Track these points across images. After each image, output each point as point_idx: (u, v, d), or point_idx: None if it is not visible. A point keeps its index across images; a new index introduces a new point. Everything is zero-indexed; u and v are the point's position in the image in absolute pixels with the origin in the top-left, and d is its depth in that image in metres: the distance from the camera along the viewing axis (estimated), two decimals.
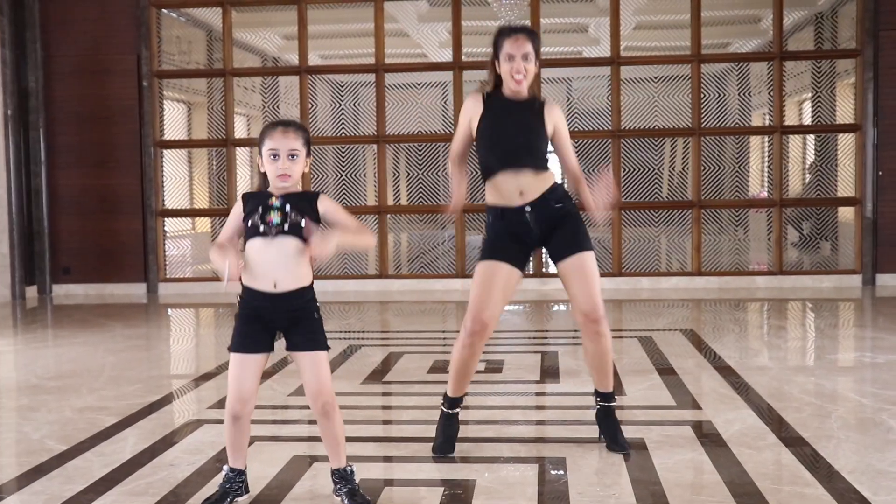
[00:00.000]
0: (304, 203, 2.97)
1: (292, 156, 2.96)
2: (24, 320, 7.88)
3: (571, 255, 3.54)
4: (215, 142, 9.53)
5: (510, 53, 3.53)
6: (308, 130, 3.09)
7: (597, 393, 3.69)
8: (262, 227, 2.93)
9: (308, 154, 3.04)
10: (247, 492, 3.13)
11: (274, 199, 2.96)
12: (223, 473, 3.10)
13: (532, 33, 3.60)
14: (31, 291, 9.29)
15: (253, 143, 10.11)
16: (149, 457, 3.67)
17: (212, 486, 3.27)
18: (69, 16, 9.33)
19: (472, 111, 3.63)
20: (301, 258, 2.96)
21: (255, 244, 2.95)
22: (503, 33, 3.59)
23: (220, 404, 4.45)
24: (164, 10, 9.44)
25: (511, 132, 3.56)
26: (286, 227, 2.93)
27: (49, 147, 9.35)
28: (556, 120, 3.65)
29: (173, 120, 9.77)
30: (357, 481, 3.10)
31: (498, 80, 3.64)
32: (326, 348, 3.04)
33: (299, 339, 3.01)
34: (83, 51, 9.33)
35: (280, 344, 3.10)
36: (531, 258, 3.77)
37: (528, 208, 3.54)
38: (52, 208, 9.41)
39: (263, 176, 3.05)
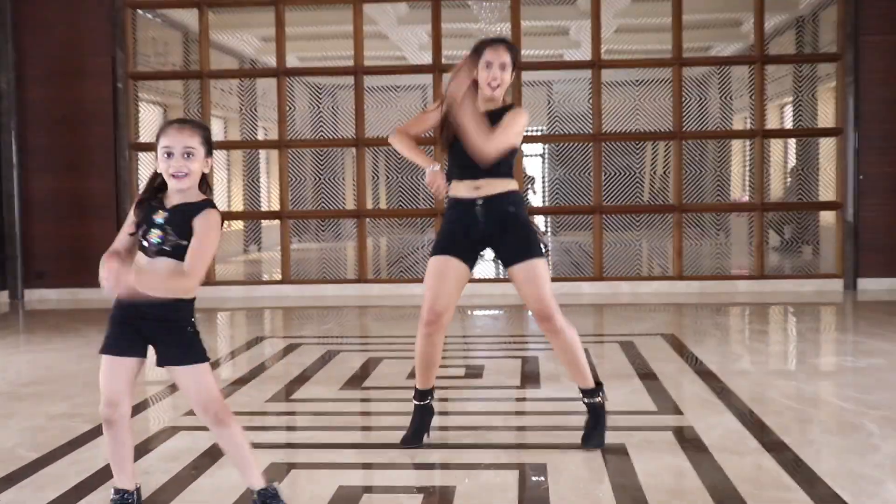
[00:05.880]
0: (188, 217, 2.79)
1: (188, 154, 2.78)
2: None
3: (522, 262, 3.66)
4: None
5: (489, 61, 3.67)
6: (208, 129, 2.90)
7: (580, 390, 3.79)
8: (143, 243, 2.81)
9: (208, 154, 2.85)
10: None
11: (160, 213, 2.82)
12: (112, 496, 2.95)
13: (511, 46, 3.72)
14: (3, 296, 9.22)
15: (231, 145, 10.12)
16: None
17: (188, 493, 3.25)
18: (42, 17, 9.26)
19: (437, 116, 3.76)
20: (178, 276, 2.78)
21: (140, 258, 2.84)
22: (484, 43, 3.72)
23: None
24: (140, 11, 9.41)
25: None
26: (167, 247, 2.78)
27: (21, 150, 9.28)
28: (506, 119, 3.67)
29: (149, 122, 9.73)
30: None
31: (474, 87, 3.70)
32: (206, 360, 2.87)
33: (174, 353, 2.85)
34: (56, 52, 9.27)
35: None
36: (480, 257, 3.84)
37: (479, 201, 3.66)
38: (25, 212, 9.34)
39: (156, 176, 2.87)
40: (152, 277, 2.76)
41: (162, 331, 2.85)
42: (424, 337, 3.71)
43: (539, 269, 3.66)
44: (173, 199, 2.84)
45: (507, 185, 3.70)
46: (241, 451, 2.93)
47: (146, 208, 2.84)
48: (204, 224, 2.78)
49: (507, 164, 3.71)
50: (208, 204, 2.84)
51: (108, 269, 2.71)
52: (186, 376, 2.87)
